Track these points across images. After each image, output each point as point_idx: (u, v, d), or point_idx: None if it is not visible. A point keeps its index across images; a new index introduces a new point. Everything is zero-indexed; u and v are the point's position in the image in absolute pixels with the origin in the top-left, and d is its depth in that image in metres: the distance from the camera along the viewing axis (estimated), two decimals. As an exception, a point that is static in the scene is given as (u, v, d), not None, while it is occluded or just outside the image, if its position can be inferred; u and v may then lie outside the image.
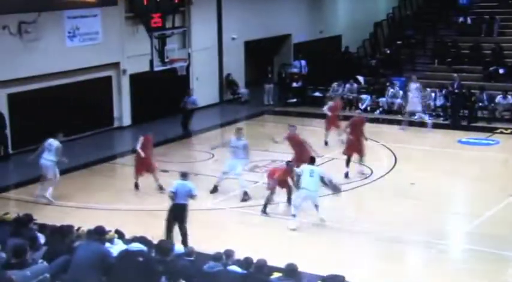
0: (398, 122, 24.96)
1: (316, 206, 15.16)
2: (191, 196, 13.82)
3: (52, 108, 21.90)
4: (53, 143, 16.65)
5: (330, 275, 9.78)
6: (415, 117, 24.30)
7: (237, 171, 16.95)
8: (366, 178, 18.27)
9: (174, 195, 13.73)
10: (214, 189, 17.18)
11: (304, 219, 15.24)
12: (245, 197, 16.73)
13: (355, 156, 18.64)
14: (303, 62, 29.83)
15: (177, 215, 13.70)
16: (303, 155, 16.73)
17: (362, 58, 31.85)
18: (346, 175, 18.16)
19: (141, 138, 17.50)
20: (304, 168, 15.17)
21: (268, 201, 15.79)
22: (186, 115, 24.12)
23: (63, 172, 19.26)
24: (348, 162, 18.43)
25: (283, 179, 15.86)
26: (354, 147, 18.56)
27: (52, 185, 16.78)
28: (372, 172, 18.82)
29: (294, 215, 15.00)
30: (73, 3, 21.89)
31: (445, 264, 13.36)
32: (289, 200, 16.08)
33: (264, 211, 15.82)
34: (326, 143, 21.43)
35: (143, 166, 17.42)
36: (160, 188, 17.07)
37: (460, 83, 24.99)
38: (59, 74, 22.35)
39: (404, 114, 24.55)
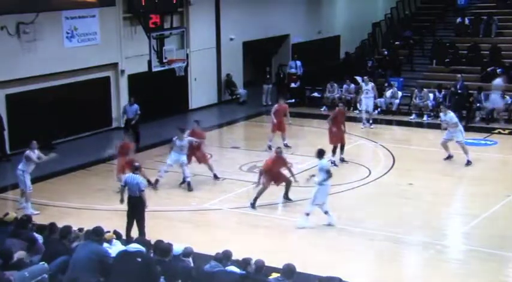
0: (397, 123, 25.05)
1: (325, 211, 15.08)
2: (139, 190, 13.88)
3: (50, 109, 21.89)
4: (26, 152, 16.31)
5: (326, 277, 9.82)
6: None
7: (182, 160, 17.86)
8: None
9: (125, 188, 14.10)
10: (156, 183, 17.85)
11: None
12: (189, 187, 17.71)
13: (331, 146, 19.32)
14: (298, 63, 29.80)
15: (132, 207, 13.98)
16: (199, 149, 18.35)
17: (360, 58, 31.85)
18: (334, 163, 18.90)
19: (118, 144, 17.87)
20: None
21: (259, 195, 16.08)
22: (131, 126, 21.87)
23: (63, 172, 19.34)
24: (334, 151, 19.36)
25: (276, 170, 16.01)
26: (338, 137, 19.52)
27: (26, 198, 16.26)
28: (370, 172, 18.86)
29: (307, 214, 14.90)
30: (71, 3, 21.90)
31: (444, 265, 13.35)
32: (286, 194, 16.34)
33: (252, 205, 16.08)
34: (270, 148, 20.54)
35: (124, 167, 17.40)
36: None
37: (463, 83, 24.97)
38: (57, 74, 22.33)
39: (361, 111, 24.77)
